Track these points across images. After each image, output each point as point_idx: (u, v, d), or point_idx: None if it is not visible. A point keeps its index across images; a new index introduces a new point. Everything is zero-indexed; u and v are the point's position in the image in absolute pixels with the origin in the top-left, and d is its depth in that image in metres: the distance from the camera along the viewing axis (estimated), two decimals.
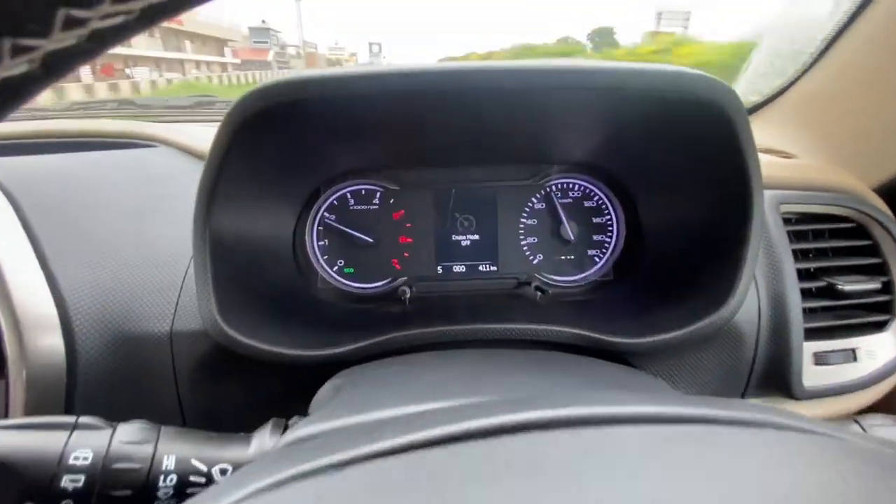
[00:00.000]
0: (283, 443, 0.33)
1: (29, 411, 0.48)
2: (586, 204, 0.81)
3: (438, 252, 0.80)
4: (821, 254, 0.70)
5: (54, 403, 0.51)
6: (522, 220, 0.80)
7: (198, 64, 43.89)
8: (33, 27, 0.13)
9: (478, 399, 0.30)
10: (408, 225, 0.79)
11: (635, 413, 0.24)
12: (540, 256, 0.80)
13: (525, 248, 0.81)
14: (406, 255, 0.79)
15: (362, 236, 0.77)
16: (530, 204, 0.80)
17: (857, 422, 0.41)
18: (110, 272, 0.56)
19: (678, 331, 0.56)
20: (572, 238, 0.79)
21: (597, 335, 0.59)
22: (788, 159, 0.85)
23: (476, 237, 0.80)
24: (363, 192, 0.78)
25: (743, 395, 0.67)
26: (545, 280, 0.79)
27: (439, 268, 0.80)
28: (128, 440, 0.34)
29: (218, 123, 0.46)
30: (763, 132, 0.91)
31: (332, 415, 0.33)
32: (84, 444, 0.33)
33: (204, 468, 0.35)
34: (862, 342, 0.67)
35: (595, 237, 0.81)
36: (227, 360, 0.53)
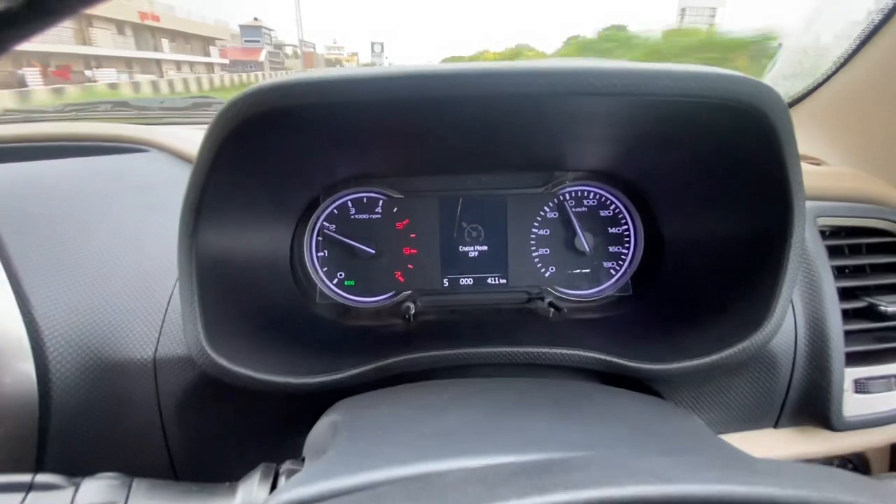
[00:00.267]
0: None
1: None
2: (602, 213, 0.76)
3: (444, 264, 0.75)
4: (858, 270, 0.65)
5: (24, 437, 0.46)
6: (534, 229, 0.75)
7: (178, 64, 41.35)
8: None
9: (489, 458, 0.25)
10: (412, 235, 0.74)
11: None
12: (552, 269, 0.76)
13: (537, 259, 0.76)
14: (410, 266, 0.74)
15: (364, 247, 0.73)
16: (542, 213, 0.75)
17: None
18: (89, 292, 0.52)
19: (707, 357, 0.51)
20: (587, 249, 0.74)
21: (617, 360, 0.54)
22: (819, 166, 0.80)
23: (484, 248, 0.76)
24: (365, 200, 0.74)
25: (776, 425, 0.62)
26: (558, 294, 0.74)
27: (445, 280, 0.75)
28: (92, 501, 0.30)
29: None
30: None
31: (328, 471, 0.29)
32: None
33: None
34: None
35: (611, 248, 0.76)
36: (215, 389, 0.49)
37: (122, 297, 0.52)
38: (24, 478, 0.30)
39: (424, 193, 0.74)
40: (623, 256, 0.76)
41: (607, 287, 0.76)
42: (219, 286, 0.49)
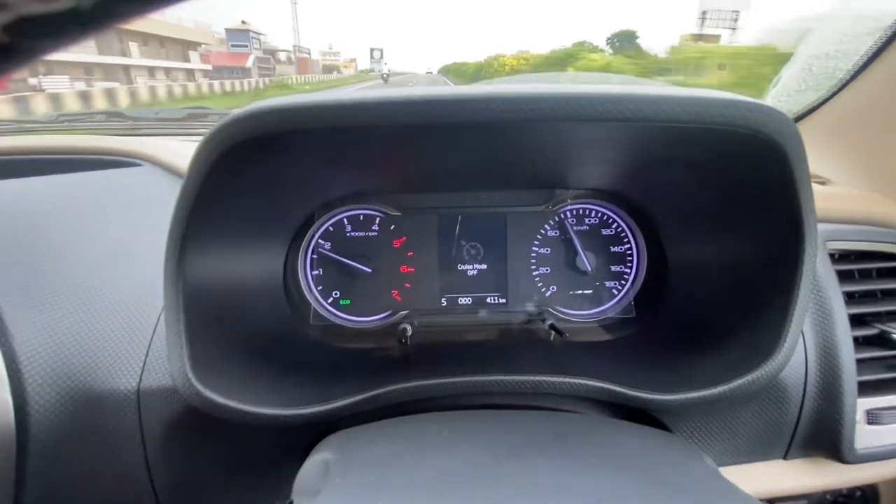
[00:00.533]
0: None
1: None
2: (604, 232, 0.74)
3: (443, 283, 0.73)
4: (868, 296, 0.63)
5: (2, 471, 0.44)
6: (534, 248, 0.74)
7: (151, 71, 35.57)
8: None
9: None
10: (409, 253, 0.72)
11: None
12: (553, 288, 0.74)
13: (537, 279, 0.74)
14: (407, 285, 0.72)
15: (360, 266, 0.71)
16: (543, 231, 0.74)
17: None
18: (70, 319, 0.49)
19: (714, 388, 0.49)
20: (589, 268, 0.72)
21: (622, 389, 0.51)
22: (825, 186, 0.78)
23: (483, 267, 0.74)
24: (361, 217, 0.72)
25: (785, 456, 0.60)
26: (559, 315, 0.72)
27: (443, 300, 0.73)
28: None
29: None
30: None
31: None
32: None
33: None
34: None
35: (614, 268, 0.74)
36: (202, 422, 0.46)
37: (105, 324, 0.50)
38: None
39: (422, 211, 0.72)
40: (625, 276, 0.74)
41: (609, 308, 0.74)
42: (207, 313, 0.46)
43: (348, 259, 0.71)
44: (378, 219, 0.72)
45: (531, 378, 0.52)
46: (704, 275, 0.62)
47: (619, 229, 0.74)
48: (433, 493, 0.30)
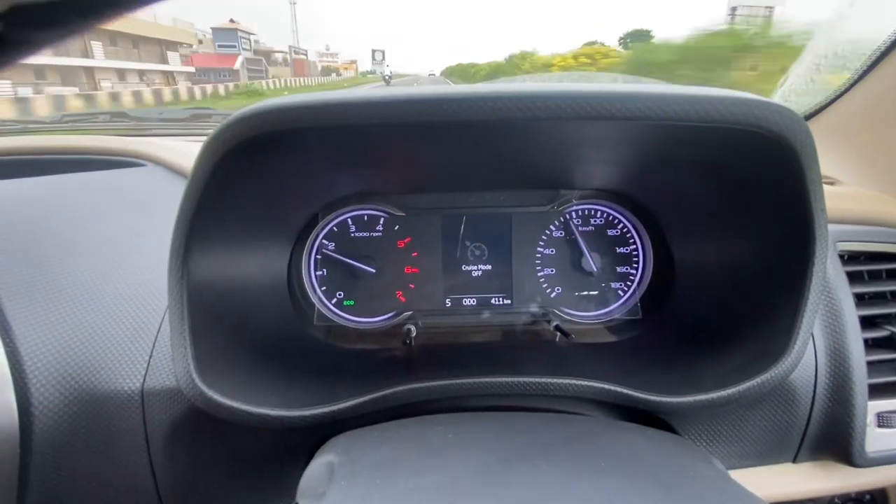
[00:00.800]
0: None
1: None
2: (609, 232, 0.74)
3: (447, 283, 0.73)
4: (878, 298, 0.62)
5: (6, 472, 0.44)
6: (539, 249, 0.73)
7: (121, 73, 31.26)
8: None
9: None
10: (414, 254, 0.72)
11: None
12: (559, 289, 0.73)
13: (542, 279, 0.73)
14: (412, 286, 0.72)
15: (364, 266, 0.71)
16: (548, 232, 0.73)
17: None
18: (74, 318, 0.49)
19: (722, 390, 0.49)
20: (595, 269, 0.72)
21: (628, 391, 0.51)
22: (834, 186, 0.78)
23: (488, 267, 0.73)
24: (365, 217, 0.72)
25: (794, 460, 0.59)
26: (564, 316, 0.72)
27: (448, 301, 0.73)
28: None
29: None
30: None
31: None
32: None
33: None
34: None
35: (619, 269, 0.74)
36: (206, 423, 0.46)
37: (109, 324, 0.50)
38: None
39: (427, 211, 0.72)
40: (631, 277, 0.74)
41: (615, 309, 0.73)
42: (211, 313, 0.46)
43: (352, 259, 0.70)
44: (382, 219, 0.71)
45: (537, 380, 0.51)
46: (712, 276, 0.61)
47: (625, 230, 0.74)
48: (442, 497, 0.30)
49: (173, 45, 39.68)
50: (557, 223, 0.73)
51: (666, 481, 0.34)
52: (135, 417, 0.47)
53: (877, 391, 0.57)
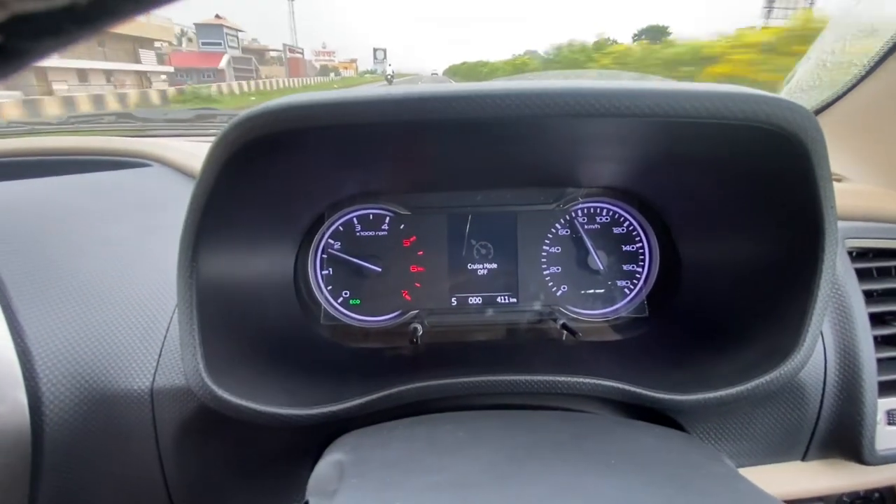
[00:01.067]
0: None
1: None
2: (615, 230, 0.74)
3: (453, 282, 0.72)
4: (888, 294, 0.61)
5: (18, 471, 0.44)
6: (545, 247, 0.73)
7: (82, 74, 27.36)
8: None
9: None
10: (419, 253, 0.72)
11: None
12: (564, 288, 0.73)
13: (548, 278, 0.73)
14: (417, 285, 0.72)
15: (370, 265, 0.71)
16: (554, 230, 0.73)
17: None
18: (84, 318, 0.49)
19: (731, 388, 0.48)
20: (601, 267, 0.72)
21: (636, 389, 0.51)
22: (841, 183, 0.77)
23: (494, 266, 0.73)
24: (371, 216, 0.72)
25: (804, 458, 0.59)
26: (570, 314, 0.72)
27: (453, 299, 0.73)
28: None
29: None
30: None
31: None
32: None
33: None
34: None
35: (626, 267, 0.73)
36: (215, 421, 0.46)
37: (119, 323, 0.50)
38: None
39: (432, 210, 0.72)
40: (638, 275, 0.73)
41: (622, 307, 0.73)
42: (219, 313, 0.46)
43: (358, 259, 0.70)
44: (388, 218, 0.72)
45: (545, 378, 0.51)
46: (719, 274, 0.61)
47: (631, 228, 0.73)
48: (454, 495, 0.30)
49: (148, 43, 35.77)
50: (563, 221, 0.73)
51: (678, 478, 0.34)
52: (144, 416, 0.48)
53: (887, 388, 0.57)
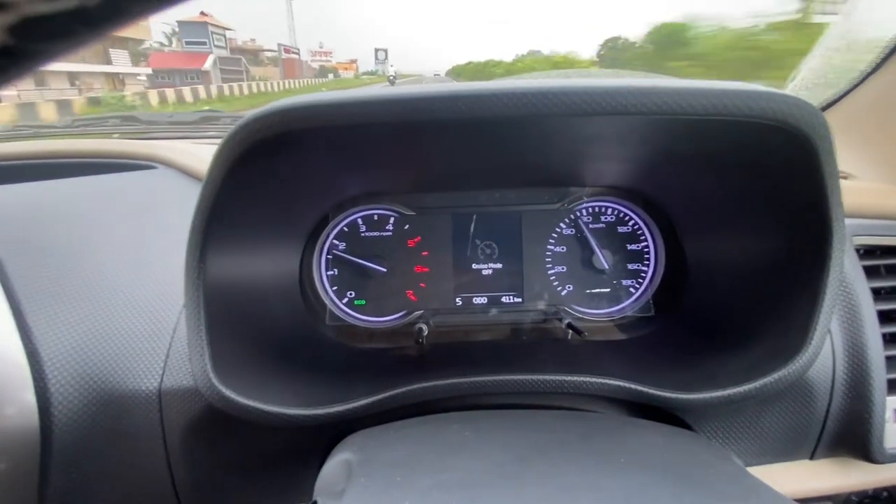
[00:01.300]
0: None
1: None
2: (620, 229, 0.74)
3: (457, 282, 0.72)
4: (895, 292, 0.61)
5: (25, 471, 0.44)
6: (550, 247, 0.73)
7: (38, 77, 21.75)
8: None
9: None
10: (424, 253, 0.72)
11: None
12: (570, 287, 0.73)
13: (553, 277, 0.73)
14: (422, 285, 0.72)
15: (375, 266, 0.71)
16: (558, 229, 0.73)
17: None
18: (92, 320, 0.50)
19: (738, 387, 0.48)
20: (606, 266, 0.71)
21: (643, 388, 0.51)
22: (847, 181, 0.77)
23: (499, 266, 0.73)
24: (375, 217, 0.72)
25: (812, 456, 0.58)
26: (576, 314, 0.72)
27: (458, 299, 0.73)
28: None
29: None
30: None
31: None
32: None
33: None
34: None
35: (631, 266, 0.73)
36: (223, 422, 0.46)
37: (127, 325, 0.50)
38: None
39: (437, 210, 0.72)
40: (643, 274, 0.73)
41: (627, 306, 0.73)
42: (226, 313, 0.47)
43: (363, 259, 0.71)
44: (392, 218, 0.72)
45: (552, 377, 0.51)
46: (725, 272, 0.61)
47: (636, 227, 0.73)
48: (462, 495, 0.30)
49: (122, 42, 32.10)
50: (568, 221, 0.73)
51: (687, 478, 0.34)
52: (152, 417, 0.48)
53: (894, 386, 0.56)
